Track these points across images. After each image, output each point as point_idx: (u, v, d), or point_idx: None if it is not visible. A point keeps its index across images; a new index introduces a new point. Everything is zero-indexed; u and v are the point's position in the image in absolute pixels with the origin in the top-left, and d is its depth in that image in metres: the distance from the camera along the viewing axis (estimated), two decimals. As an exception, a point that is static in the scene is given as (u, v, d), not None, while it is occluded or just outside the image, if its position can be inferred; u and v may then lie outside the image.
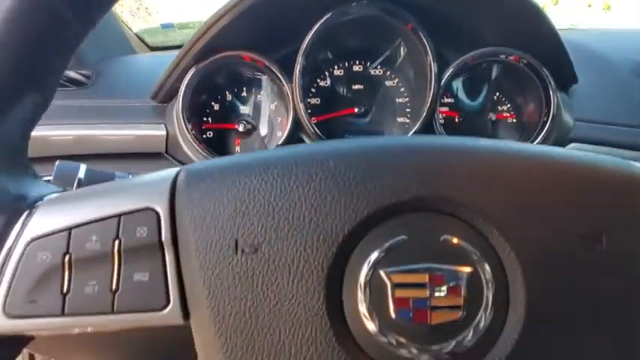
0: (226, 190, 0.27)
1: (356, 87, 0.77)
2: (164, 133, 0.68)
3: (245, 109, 0.75)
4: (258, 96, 0.75)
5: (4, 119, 0.26)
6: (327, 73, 0.76)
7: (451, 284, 0.25)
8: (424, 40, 0.67)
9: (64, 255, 0.26)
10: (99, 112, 0.69)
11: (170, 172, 0.29)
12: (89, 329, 0.26)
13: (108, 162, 0.67)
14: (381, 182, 0.26)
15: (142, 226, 0.27)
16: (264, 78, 0.73)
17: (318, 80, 0.76)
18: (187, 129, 0.66)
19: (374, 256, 0.25)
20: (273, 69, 0.67)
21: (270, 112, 0.75)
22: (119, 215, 0.27)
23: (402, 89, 0.77)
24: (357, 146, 0.28)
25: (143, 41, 1.09)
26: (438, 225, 0.26)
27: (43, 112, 0.29)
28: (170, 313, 0.26)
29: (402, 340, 0.25)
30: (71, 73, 0.75)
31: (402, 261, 0.25)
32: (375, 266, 0.25)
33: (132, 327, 0.27)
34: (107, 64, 0.82)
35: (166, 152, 0.69)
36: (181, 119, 0.66)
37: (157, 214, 0.27)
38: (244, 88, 0.75)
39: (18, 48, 0.26)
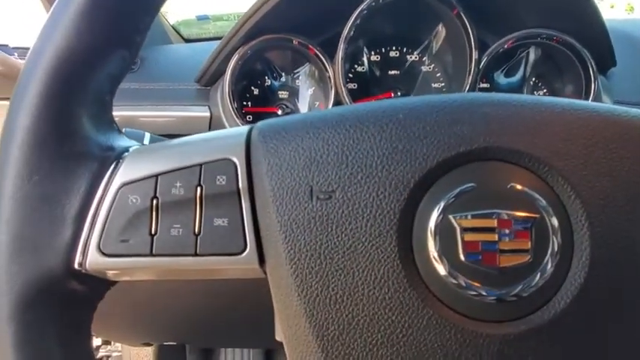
0: (301, 140, 0.28)
1: (392, 72, 0.78)
2: (208, 114, 0.70)
3: (284, 94, 0.77)
4: (297, 81, 0.77)
5: (95, 74, 0.29)
6: (364, 58, 0.78)
7: (519, 229, 0.26)
8: (467, 26, 0.68)
9: (152, 199, 0.28)
10: (146, 94, 0.72)
11: (244, 127, 0.31)
12: (171, 271, 0.28)
13: (154, 143, 0.70)
14: (450, 132, 0.27)
15: (221, 175, 0.29)
16: (305, 62, 0.75)
17: (356, 65, 0.78)
18: (233, 109, 0.68)
19: (443, 202, 0.27)
20: (317, 52, 0.69)
21: (309, 96, 0.77)
22: (200, 165, 0.29)
23: (439, 74, 0.78)
24: (425, 100, 0.29)
25: (178, 33, 1.13)
26: (505, 174, 0.27)
27: (128, 70, 0.31)
28: (247, 258, 0.28)
29: (471, 282, 0.26)
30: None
31: (471, 207, 0.26)
32: (445, 211, 0.27)
33: (212, 270, 0.28)
34: (150, 52, 0.85)
35: None
36: (227, 100, 0.68)
37: (235, 164, 0.29)
38: (283, 73, 0.77)
39: (113, 5, 0.28)
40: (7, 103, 0.93)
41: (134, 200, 0.28)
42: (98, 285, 0.29)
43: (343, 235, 0.27)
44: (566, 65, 0.70)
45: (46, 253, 0.26)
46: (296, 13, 0.67)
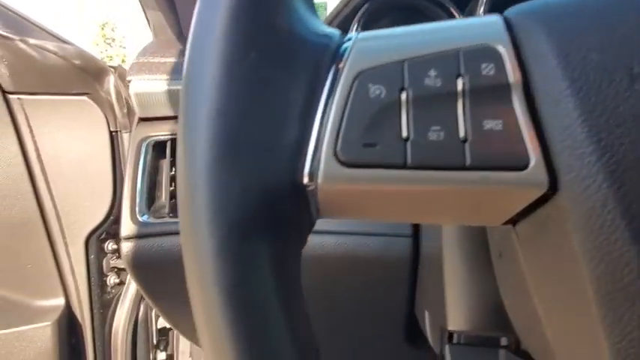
0: (594, 17, 0.20)
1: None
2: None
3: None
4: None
5: None
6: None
7: None
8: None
9: (400, 91, 0.20)
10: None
11: (492, 16, 0.23)
12: (435, 189, 0.20)
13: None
14: None
15: (487, 63, 0.20)
16: (431, 13, 0.69)
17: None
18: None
19: None
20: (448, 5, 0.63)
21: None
22: (458, 50, 0.21)
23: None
24: None
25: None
26: None
27: None
28: (532, 173, 0.20)
29: None
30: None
31: None
32: None
33: (485, 190, 0.20)
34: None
35: None
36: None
37: (498, 53, 0.21)
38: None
39: None
40: (84, 98, 0.89)
41: (377, 92, 0.20)
42: (314, 212, 0.21)
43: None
44: None
45: (268, 160, 0.19)
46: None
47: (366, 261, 0.54)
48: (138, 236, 0.52)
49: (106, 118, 0.94)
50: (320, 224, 0.51)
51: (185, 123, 0.19)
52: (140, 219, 0.53)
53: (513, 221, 0.24)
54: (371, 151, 0.19)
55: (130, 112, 0.97)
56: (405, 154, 0.19)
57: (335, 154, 0.19)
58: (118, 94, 0.95)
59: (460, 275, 0.37)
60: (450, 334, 0.47)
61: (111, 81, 0.94)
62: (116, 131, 0.96)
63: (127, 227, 0.52)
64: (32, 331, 0.89)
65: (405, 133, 0.19)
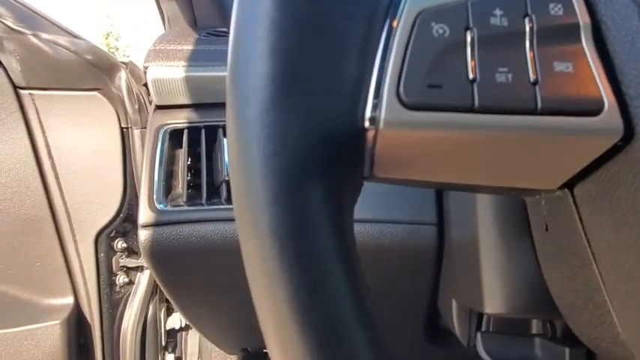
0: None
1: None
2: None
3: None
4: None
5: None
6: None
7: None
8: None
9: (465, 30, 0.19)
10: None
11: None
12: (505, 135, 0.18)
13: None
14: None
15: (555, 3, 0.19)
16: None
17: None
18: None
19: None
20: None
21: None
22: None
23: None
24: None
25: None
26: None
27: None
28: (606, 119, 0.18)
29: None
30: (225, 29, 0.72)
31: None
32: None
33: (556, 136, 0.19)
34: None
35: None
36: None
37: None
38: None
39: None
40: (96, 94, 0.88)
41: (440, 31, 0.18)
42: (366, 167, 0.20)
43: None
44: None
45: (327, 101, 0.17)
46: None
47: (389, 250, 0.52)
48: (155, 224, 0.51)
49: (117, 114, 0.93)
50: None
51: (235, 63, 0.18)
52: (158, 207, 0.52)
53: (571, 185, 0.23)
54: (436, 93, 0.18)
55: (141, 108, 0.96)
56: (473, 96, 0.18)
57: (398, 96, 0.18)
58: (130, 89, 0.94)
59: (498, 257, 0.35)
60: (479, 322, 0.46)
61: (122, 77, 0.93)
62: (127, 127, 0.95)
63: (144, 215, 0.51)
64: (41, 330, 0.88)
65: (471, 75, 0.18)
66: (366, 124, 0.18)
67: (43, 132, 0.90)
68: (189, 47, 0.60)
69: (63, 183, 0.92)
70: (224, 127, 0.58)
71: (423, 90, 0.18)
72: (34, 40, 0.86)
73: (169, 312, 1.18)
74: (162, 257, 0.51)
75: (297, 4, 0.17)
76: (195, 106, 0.60)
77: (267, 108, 0.17)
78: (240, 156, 0.17)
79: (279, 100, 0.17)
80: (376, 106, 0.18)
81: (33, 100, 0.89)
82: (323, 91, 0.17)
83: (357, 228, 0.52)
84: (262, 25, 0.17)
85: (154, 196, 0.52)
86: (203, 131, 0.58)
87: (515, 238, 0.34)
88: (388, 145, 0.18)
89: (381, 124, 0.18)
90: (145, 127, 0.97)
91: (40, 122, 0.90)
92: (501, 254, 0.35)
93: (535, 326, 0.44)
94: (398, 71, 0.18)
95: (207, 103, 0.60)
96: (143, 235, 0.50)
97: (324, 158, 0.17)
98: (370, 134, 0.18)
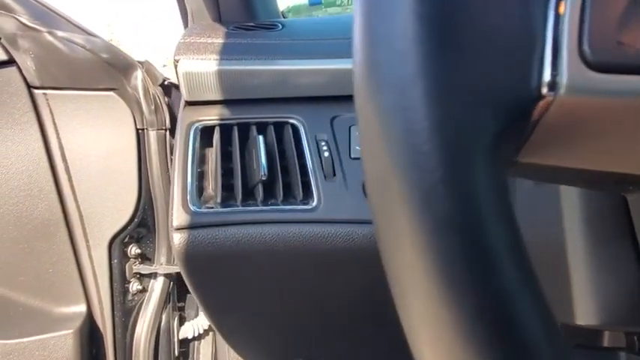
0: None
1: None
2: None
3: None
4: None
5: None
6: None
7: None
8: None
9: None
10: (292, 48, 0.62)
11: None
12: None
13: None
14: None
15: None
16: None
17: None
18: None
19: None
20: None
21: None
22: None
23: None
24: None
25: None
26: None
27: None
28: None
29: None
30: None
31: None
32: None
33: None
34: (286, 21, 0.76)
35: None
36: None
37: None
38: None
39: None
40: (111, 94, 0.85)
41: None
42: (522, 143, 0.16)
43: None
44: None
45: (495, 63, 0.14)
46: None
47: None
48: (190, 227, 0.47)
49: (133, 115, 0.90)
50: (350, 212, 0.46)
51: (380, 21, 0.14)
52: (192, 208, 0.48)
53: None
54: (623, 52, 0.14)
55: (157, 109, 0.93)
56: None
57: (581, 55, 0.14)
58: (146, 90, 0.91)
59: (593, 262, 0.32)
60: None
61: (138, 76, 0.90)
62: (143, 129, 0.92)
63: (179, 217, 0.47)
64: (54, 340, 0.84)
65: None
66: (544, 90, 0.14)
67: (57, 133, 0.86)
68: (220, 40, 0.57)
69: (76, 186, 0.88)
70: (257, 124, 0.55)
71: (612, 47, 0.14)
72: (50, 37, 0.82)
73: (182, 321, 1.14)
74: (198, 262, 0.48)
75: None
76: (226, 102, 0.57)
77: (425, 73, 0.13)
78: (394, 123, 0.13)
79: (440, 62, 0.13)
80: (556, 68, 0.14)
81: (47, 100, 0.86)
82: (491, 50, 0.14)
83: (366, 230, 0.48)
84: None
85: (188, 197, 0.49)
86: (235, 128, 0.55)
87: (612, 240, 0.31)
88: (558, 118, 0.15)
89: (562, 90, 0.14)
90: (162, 129, 0.94)
91: (54, 123, 0.86)
92: (596, 259, 0.31)
93: (608, 338, 0.40)
94: (577, 25, 0.14)
95: (239, 99, 0.57)
96: (177, 238, 0.47)
97: (496, 133, 0.14)
98: (542, 104, 0.15)
